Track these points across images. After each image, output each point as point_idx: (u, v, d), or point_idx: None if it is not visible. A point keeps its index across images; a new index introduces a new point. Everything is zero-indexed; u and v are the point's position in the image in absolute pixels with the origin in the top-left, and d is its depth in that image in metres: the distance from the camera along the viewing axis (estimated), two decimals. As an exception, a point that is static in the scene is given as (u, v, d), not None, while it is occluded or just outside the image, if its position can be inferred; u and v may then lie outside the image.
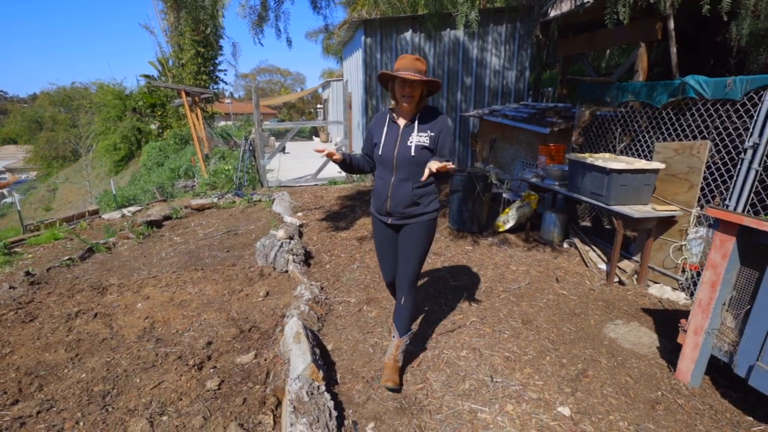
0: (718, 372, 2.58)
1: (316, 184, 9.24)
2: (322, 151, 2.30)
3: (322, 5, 6.34)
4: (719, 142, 3.62)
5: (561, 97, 7.73)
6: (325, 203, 7.24)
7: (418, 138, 2.26)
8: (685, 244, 3.77)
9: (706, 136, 3.76)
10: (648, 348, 2.96)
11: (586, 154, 4.51)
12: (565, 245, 4.94)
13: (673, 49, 5.63)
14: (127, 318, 3.30)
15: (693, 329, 2.47)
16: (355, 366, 2.66)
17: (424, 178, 2.09)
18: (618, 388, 2.48)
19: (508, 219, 5.27)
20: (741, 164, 3.40)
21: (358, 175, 9.51)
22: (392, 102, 2.36)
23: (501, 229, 5.29)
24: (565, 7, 8.68)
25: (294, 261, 4.16)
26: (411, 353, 2.77)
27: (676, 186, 3.84)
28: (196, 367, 2.60)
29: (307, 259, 4.48)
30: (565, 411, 2.28)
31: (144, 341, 2.93)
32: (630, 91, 4.50)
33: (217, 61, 19.49)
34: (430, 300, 3.53)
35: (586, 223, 5.60)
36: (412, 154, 2.25)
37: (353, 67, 10.67)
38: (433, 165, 2.01)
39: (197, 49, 18.22)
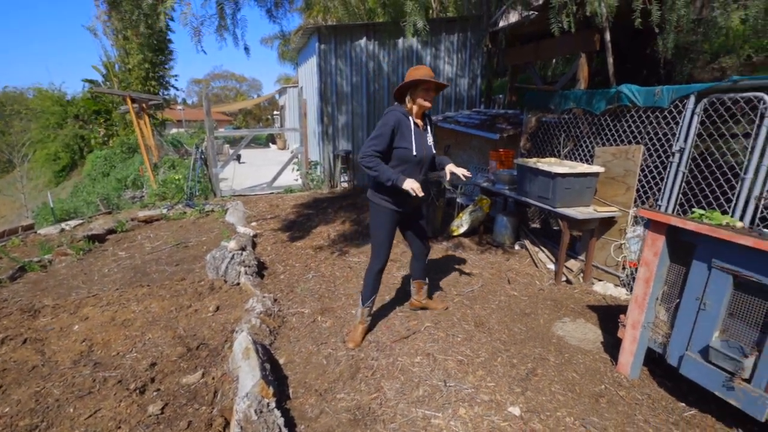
0: (655, 363, 2.73)
1: (272, 193, 9.05)
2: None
3: (278, 14, 6.26)
4: (650, 147, 3.87)
5: (510, 104, 8.03)
6: (281, 212, 7.10)
7: (430, 138, 2.76)
8: (624, 243, 4.00)
9: (640, 141, 4.02)
10: (593, 343, 3.10)
11: (533, 159, 4.69)
12: (517, 247, 5.10)
13: (610, 60, 5.99)
14: (62, 342, 3.06)
15: (631, 324, 2.61)
16: (309, 379, 2.60)
17: (450, 178, 2.85)
18: (565, 385, 2.57)
19: (461, 223, 5.38)
20: (670, 167, 3.65)
21: (315, 182, 9.42)
22: (408, 105, 2.65)
23: (455, 234, 5.38)
24: (513, 18, 9.04)
25: (246, 273, 4.04)
26: (365, 361, 2.75)
27: (614, 188, 4.07)
28: (137, 391, 2.45)
29: (261, 270, 4.36)
30: (516, 411, 2.33)
31: (80, 366, 2.73)
32: (572, 99, 4.74)
33: (167, 66, 18.75)
34: (386, 307, 3.53)
35: (536, 225, 5.82)
36: (434, 152, 2.80)
37: (308, 73, 10.59)
38: (459, 170, 2.79)
39: (145, 54, 17.45)
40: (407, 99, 2.63)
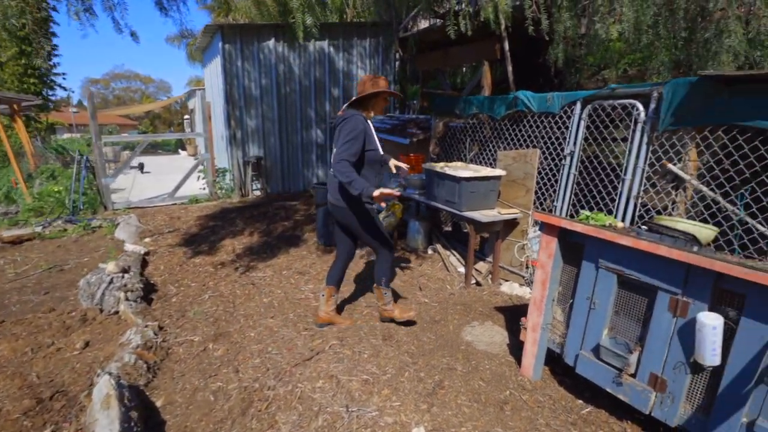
0: (555, 361, 2.78)
1: (175, 204, 8.25)
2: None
3: (170, 7, 5.67)
4: (546, 150, 4.05)
5: (422, 110, 8.15)
6: (182, 225, 6.45)
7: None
8: (526, 243, 4.13)
9: (536, 144, 4.19)
10: (499, 346, 3.11)
11: (441, 164, 4.71)
12: (429, 251, 5.09)
13: (509, 68, 6.30)
14: None
15: (531, 326, 2.62)
16: (191, 422, 2.25)
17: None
18: (471, 395, 2.51)
19: (375, 230, 5.25)
20: (562, 169, 3.83)
21: (224, 191, 8.78)
22: (366, 112, 2.88)
23: (369, 241, 5.24)
24: (423, 25, 9.21)
25: (128, 299, 3.50)
26: (259, 392, 2.46)
27: (516, 190, 4.20)
28: (-46, 466, 1.92)
29: (148, 293, 3.84)
30: (420, 431, 2.20)
31: None
32: (475, 104, 4.84)
33: (52, 63, 16.46)
34: (288, 325, 3.25)
35: (449, 228, 5.89)
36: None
37: (213, 75, 9.88)
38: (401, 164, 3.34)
39: (21, 47, 15.15)
40: (370, 106, 2.88)
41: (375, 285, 3.21)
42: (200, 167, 8.80)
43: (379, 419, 2.26)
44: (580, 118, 3.64)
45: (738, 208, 2.62)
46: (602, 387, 2.25)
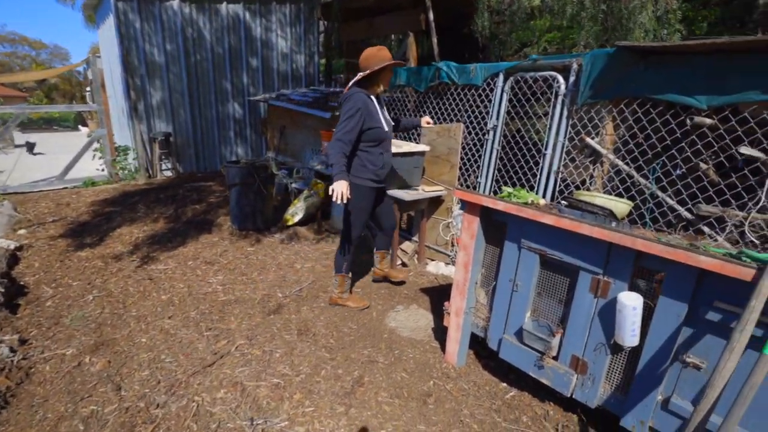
0: (479, 344, 2.68)
1: (66, 188, 7.15)
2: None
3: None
4: (470, 125, 3.91)
5: (347, 82, 7.74)
6: (71, 212, 5.56)
7: (386, 113, 2.92)
8: (451, 221, 4.02)
9: (460, 119, 4.04)
10: (424, 331, 2.96)
11: (364, 139, 4.41)
12: (356, 233, 4.84)
13: (434, 39, 6.09)
14: None
15: (454, 311, 2.47)
16: (49, 461, 1.81)
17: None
18: (393, 390, 2.32)
19: (296, 211, 4.88)
20: (486, 145, 3.72)
21: (127, 172, 7.79)
22: (373, 87, 2.78)
23: (290, 223, 4.87)
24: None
25: (-20, 307, 2.85)
26: (145, 412, 2.06)
27: (440, 167, 4.03)
28: None
29: (15, 297, 3.17)
30: (336, 438, 1.96)
31: None
32: (399, 76, 4.57)
33: None
34: (189, 326, 2.83)
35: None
36: (392, 124, 3.05)
37: (108, 38, 8.60)
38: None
39: None
40: (378, 81, 2.76)
41: (335, 272, 3.17)
42: (95, 145, 7.71)
43: (289, 430, 1.99)
44: (502, 91, 3.52)
45: (650, 182, 2.64)
46: (525, 371, 2.16)
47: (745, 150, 2.24)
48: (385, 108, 2.94)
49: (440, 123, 4.20)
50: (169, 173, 8.09)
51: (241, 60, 8.51)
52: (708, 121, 2.38)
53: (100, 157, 7.81)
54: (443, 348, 2.71)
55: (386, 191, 3.22)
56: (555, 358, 2.04)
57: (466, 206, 2.30)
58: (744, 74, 2.20)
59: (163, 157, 7.96)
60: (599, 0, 3.41)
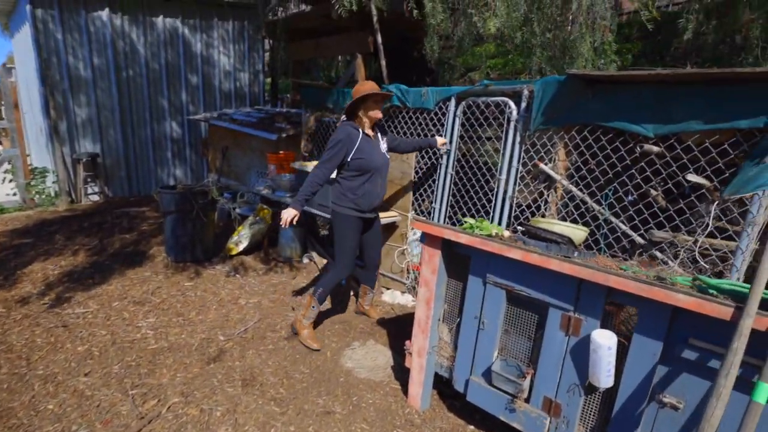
0: (444, 383, 2.51)
1: (-34, 216, 6.23)
2: None
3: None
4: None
5: (294, 103, 7.51)
6: (-30, 246, 4.79)
7: (384, 146, 2.99)
8: (406, 248, 3.88)
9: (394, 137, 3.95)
10: (383, 370, 2.75)
11: (312, 162, 4.20)
12: (305, 260, 4.56)
13: (383, 62, 6.05)
14: None
15: (417, 351, 2.30)
16: None
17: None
18: (352, 445, 2.08)
19: (240, 239, 4.53)
20: (440, 169, 3.64)
21: (45, 197, 6.96)
22: (360, 119, 2.88)
23: (233, 252, 4.49)
24: (294, 9, 8.51)
25: None
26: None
27: (394, 192, 3.90)
28: None
29: None
30: None
31: None
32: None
33: None
34: (110, 384, 2.42)
35: (327, 232, 5.43)
36: (388, 157, 3.03)
37: (23, 49, 7.78)
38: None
39: None
40: (360, 113, 2.85)
41: (311, 291, 3.05)
42: (5, 166, 6.84)
43: None
44: (455, 115, 3.48)
45: (603, 208, 2.67)
46: (496, 415, 2.02)
47: (692, 177, 2.29)
48: (382, 142, 2.99)
49: (393, 146, 4.09)
50: (96, 198, 7.34)
51: (179, 76, 8.02)
52: (655, 149, 2.43)
53: (11, 180, 6.94)
54: (405, 389, 2.52)
55: (376, 223, 3.15)
56: (527, 401, 1.92)
57: (427, 238, 2.16)
58: (686, 104, 2.27)
59: (89, 179, 7.23)
60: (545, 29, 3.49)
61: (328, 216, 3.77)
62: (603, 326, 1.67)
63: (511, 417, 1.96)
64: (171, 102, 8.02)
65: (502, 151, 3.16)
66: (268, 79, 9.81)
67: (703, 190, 2.31)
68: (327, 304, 3.61)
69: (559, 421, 1.83)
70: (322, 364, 2.77)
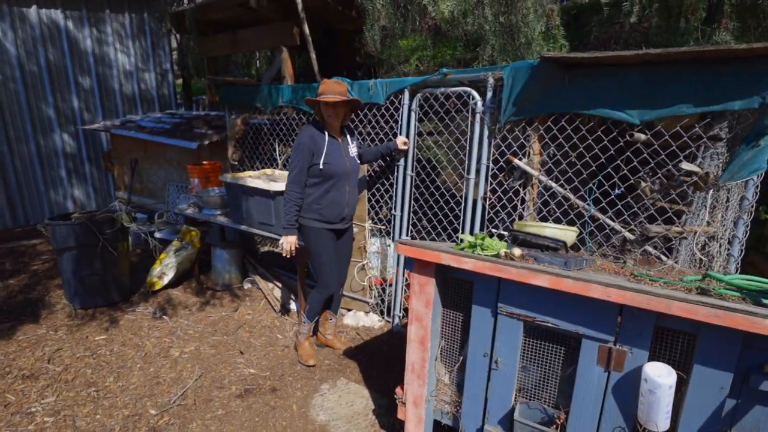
0: (442, 428, 2.13)
1: None
2: None
3: None
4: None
5: (212, 105, 6.67)
6: None
7: (353, 150, 2.76)
8: (366, 262, 3.44)
9: (361, 143, 3.51)
10: (365, 418, 2.30)
11: (246, 173, 3.60)
12: (247, 285, 3.94)
13: (313, 55, 5.50)
14: None
15: (412, 400, 1.88)
16: None
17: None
18: None
19: (164, 270, 3.78)
20: (397, 171, 3.24)
21: None
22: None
23: (158, 287, 3.74)
24: None
25: None
26: None
27: (347, 200, 3.43)
28: None
29: None
30: None
31: None
32: (282, 95, 3.87)
33: None
34: None
35: (268, 248, 4.81)
36: (358, 162, 2.83)
37: None
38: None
39: None
40: (321, 115, 2.63)
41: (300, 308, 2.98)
42: None
43: None
44: (410, 110, 3.09)
45: (588, 204, 2.44)
46: (520, 471, 1.67)
47: (686, 165, 2.12)
48: (351, 142, 2.77)
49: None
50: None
51: (67, 79, 6.77)
52: (642, 136, 2.24)
53: None
54: (395, 440, 2.10)
55: (347, 236, 2.90)
56: (558, 450, 1.59)
57: (416, 265, 1.74)
58: (674, 87, 2.08)
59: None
60: (498, 12, 3.22)
61: (270, 235, 3.22)
62: (652, 358, 1.38)
63: (540, 471, 1.62)
64: (59, 110, 6.75)
65: (468, 148, 2.84)
66: (179, 80, 8.74)
67: (695, 179, 2.14)
68: (283, 341, 3.06)
69: (600, 472, 1.52)
70: (290, 422, 2.25)
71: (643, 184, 2.29)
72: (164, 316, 3.35)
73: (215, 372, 2.64)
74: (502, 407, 1.68)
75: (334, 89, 2.57)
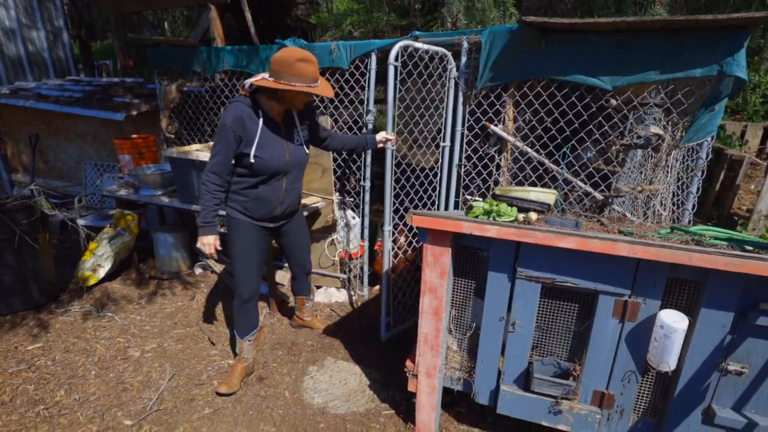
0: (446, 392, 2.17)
1: None
2: None
3: None
4: (338, 117, 3.23)
5: (126, 70, 5.84)
6: None
7: (298, 137, 2.17)
8: (336, 236, 3.32)
9: (324, 110, 3.31)
10: (363, 395, 2.26)
11: (192, 147, 3.22)
12: (198, 271, 3.62)
13: (248, 14, 5.02)
14: None
15: (425, 372, 1.87)
16: None
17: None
18: None
19: (99, 262, 3.31)
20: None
21: None
22: (264, 101, 2.00)
23: (92, 282, 3.27)
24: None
25: None
26: None
27: (309, 172, 3.23)
28: None
29: None
30: None
31: None
32: (225, 58, 3.47)
33: None
34: None
35: (222, 229, 4.43)
36: (307, 152, 2.22)
37: None
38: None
39: None
40: (279, 100, 1.99)
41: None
42: None
43: None
44: (394, 68, 2.93)
45: (562, 168, 2.56)
46: (537, 422, 1.75)
47: (654, 129, 2.29)
48: (299, 126, 2.16)
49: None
50: None
51: None
52: (614, 102, 2.36)
53: None
54: (402, 412, 2.10)
55: (295, 223, 2.46)
56: (573, 399, 1.69)
57: (430, 236, 1.69)
58: (644, 54, 2.21)
59: None
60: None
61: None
62: (663, 306, 1.50)
63: (556, 420, 1.71)
64: None
65: (444, 115, 2.80)
66: (75, 42, 7.49)
67: (660, 141, 2.33)
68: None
69: (611, 412, 1.65)
70: (286, 410, 2.13)
71: (614, 146, 2.45)
72: (108, 313, 2.95)
73: (189, 368, 2.40)
74: (518, 367, 1.73)
75: (308, 72, 1.88)
